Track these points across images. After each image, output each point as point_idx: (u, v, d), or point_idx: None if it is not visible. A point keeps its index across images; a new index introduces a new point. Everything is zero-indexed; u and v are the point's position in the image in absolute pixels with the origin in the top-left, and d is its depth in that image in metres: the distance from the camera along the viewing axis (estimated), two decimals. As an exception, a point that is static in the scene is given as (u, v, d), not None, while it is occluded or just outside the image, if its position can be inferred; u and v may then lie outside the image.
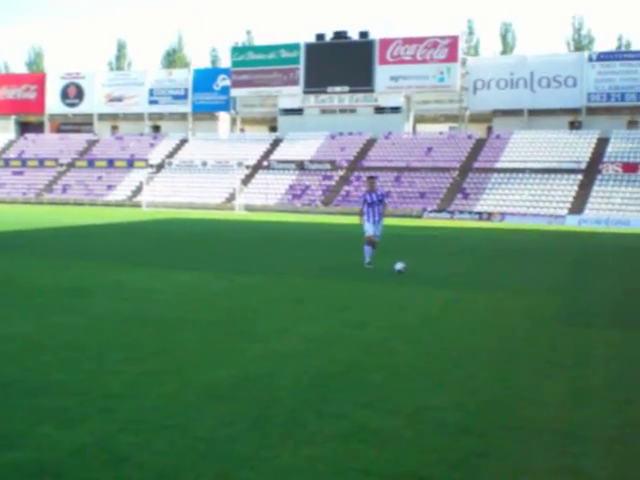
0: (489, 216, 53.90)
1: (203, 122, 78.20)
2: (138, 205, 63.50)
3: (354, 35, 70.52)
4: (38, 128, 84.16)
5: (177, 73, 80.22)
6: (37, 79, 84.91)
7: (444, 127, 71.63)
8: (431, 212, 55.66)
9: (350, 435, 5.56)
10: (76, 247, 22.49)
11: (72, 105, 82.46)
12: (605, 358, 8.55)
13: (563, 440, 5.61)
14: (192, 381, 7.01)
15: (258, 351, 8.36)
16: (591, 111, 65.02)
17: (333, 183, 63.41)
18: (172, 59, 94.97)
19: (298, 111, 71.73)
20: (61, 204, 65.49)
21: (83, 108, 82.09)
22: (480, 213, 54.60)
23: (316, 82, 70.26)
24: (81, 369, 7.39)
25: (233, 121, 78.08)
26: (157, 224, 37.36)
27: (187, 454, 5.11)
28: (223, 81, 75.65)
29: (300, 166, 65.88)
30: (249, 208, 60.41)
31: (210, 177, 67.44)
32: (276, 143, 70.92)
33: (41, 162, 74.99)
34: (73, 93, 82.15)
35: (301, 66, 71.26)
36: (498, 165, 60.59)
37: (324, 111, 71.24)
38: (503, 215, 53.63)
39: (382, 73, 68.55)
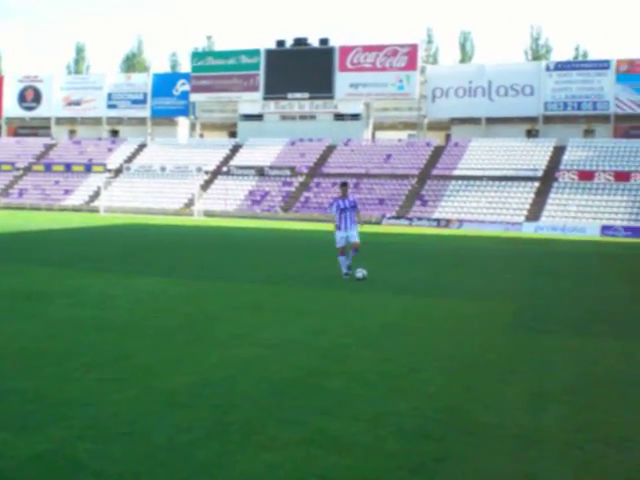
0: (447, 223, 54.30)
1: (162, 127, 77.71)
2: (96, 210, 62.88)
3: (314, 42, 70.68)
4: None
5: (136, 77, 79.69)
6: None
7: (403, 134, 72.02)
8: (390, 219, 55.88)
9: (309, 441, 5.58)
10: (33, 252, 22.20)
11: (29, 109, 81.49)
12: (562, 364, 8.66)
13: (521, 445, 5.68)
14: (151, 388, 6.97)
15: (217, 357, 8.34)
16: (548, 120, 65.84)
17: (293, 189, 63.41)
18: (131, 63, 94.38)
19: (258, 117, 71.67)
20: (17, 209, 64.57)
21: (41, 112, 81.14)
22: (438, 220, 54.96)
23: (276, 88, 70.26)
24: (38, 376, 7.31)
25: (192, 126, 77.71)
26: (115, 229, 37.05)
27: (146, 461, 5.08)
28: (183, 86, 75.30)
29: (260, 172, 65.77)
30: (208, 214, 60.15)
31: (169, 182, 67.04)
32: (236, 149, 70.75)
33: (-3, 166, 73.96)
34: (31, 96, 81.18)
35: (261, 72, 71.20)
36: (456, 172, 61.05)
37: (284, 117, 71.26)
38: (461, 222, 54.06)
39: (342, 80, 68.76)
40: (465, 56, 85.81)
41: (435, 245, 32.63)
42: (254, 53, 71.83)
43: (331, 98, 69.16)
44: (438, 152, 64.67)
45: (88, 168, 71.00)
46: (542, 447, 5.65)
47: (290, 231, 40.57)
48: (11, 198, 68.84)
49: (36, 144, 77.80)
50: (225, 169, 67.44)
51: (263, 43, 79.84)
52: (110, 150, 74.08)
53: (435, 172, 61.67)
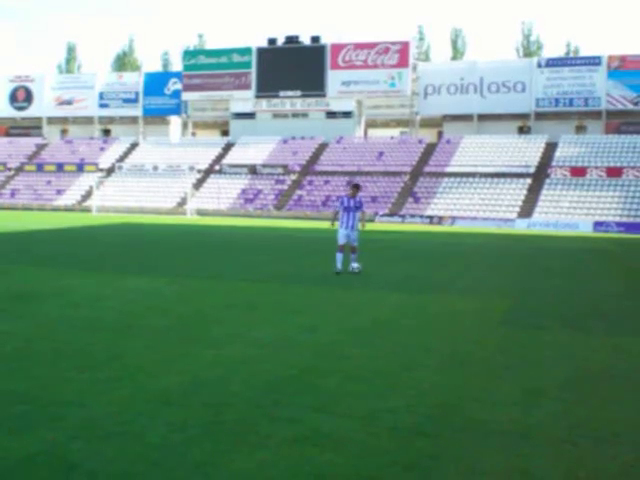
0: (440, 220, 54.38)
1: (154, 126, 77.58)
2: (88, 210, 62.77)
3: (306, 40, 70.68)
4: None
5: (128, 76, 79.58)
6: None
7: (395, 132, 72.08)
8: (383, 216, 55.92)
9: (303, 439, 5.57)
10: (25, 253, 22.14)
11: (21, 108, 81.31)
12: (555, 360, 8.67)
13: (515, 441, 5.69)
14: (144, 387, 6.95)
15: (210, 356, 8.32)
16: (540, 116, 65.96)
17: (285, 187, 63.39)
18: (123, 62, 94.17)
19: (250, 115, 71.62)
20: (9, 209, 64.43)
21: (32, 111, 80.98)
22: (431, 217, 55.05)
23: (268, 86, 70.24)
24: (31, 376, 7.29)
25: (184, 125, 77.60)
26: (107, 229, 36.98)
27: (139, 461, 5.07)
28: (174, 85, 75.21)
29: (252, 170, 65.73)
30: (201, 212, 60.09)
31: (161, 181, 66.96)
32: (228, 147, 70.70)
33: (-11, 166, 73.78)
34: (22, 96, 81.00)
35: (253, 70, 71.18)
36: (448, 169, 61.13)
37: (276, 115, 71.24)
38: (453, 219, 54.14)
39: (334, 78, 68.77)
40: (457, 53, 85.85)
41: (428, 242, 32.65)
42: (246, 51, 71.77)
43: (323, 96, 69.17)
44: (430, 149, 64.74)
45: (80, 168, 70.88)
46: (536, 443, 5.65)
47: (283, 229, 40.55)
48: (3, 198, 68.69)
49: (28, 144, 77.64)
50: (217, 168, 67.39)
51: (255, 41, 79.91)
52: (102, 149, 73.96)
53: (427, 169, 61.74)
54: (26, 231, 32.63)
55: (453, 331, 10.42)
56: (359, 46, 68.82)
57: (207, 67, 72.73)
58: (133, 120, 77.83)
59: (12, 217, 47.99)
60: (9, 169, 73.22)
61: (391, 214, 56.35)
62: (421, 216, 55.49)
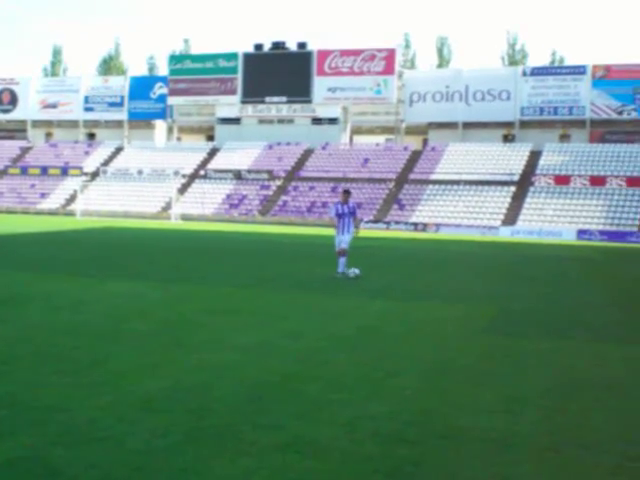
0: (424, 227, 54.48)
1: (139, 130, 77.35)
2: (72, 214, 62.47)
3: (292, 46, 70.69)
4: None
5: (113, 80, 79.31)
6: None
7: (380, 139, 72.20)
8: (367, 222, 55.88)
9: (286, 446, 5.56)
10: (7, 256, 22.03)
11: (5, 111, 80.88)
12: (538, 367, 8.70)
13: (496, 449, 5.70)
14: (127, 393, 6.93)
15: (193, 362, 8.30)
16: (524, 125, 66.23)
17: (270, 193, 63.36)
18: (109, 66, 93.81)
19: (236, 120, 71.54)
20: (-8, 212, 64.10)
21: (17, 114, 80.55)
22: (415, 224, 55.15)
23: (254, 92, 70.21)
24: (12, 381, 7.25)
25: (170, 129, 77.40)
26: (91, 233, 36.84)
27: (121, 467, 5.05)
28: (160, 89, 75.03)
29: (237, 176, 65.66)
30: (185, 217, 59.94)
31: (146, 186, 66.75)
32: (213, 152, 70.57)
33: (-28, 169, 73.34)
34: (7, 99, 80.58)
35: (239, 76, 71.11)
36: (433, 177, 61.26)
37: (262, 121, 71.20)
38: (438, 226, 54.26)
39: (320, 84, 68.82)
40: (442, 61, 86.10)
41: (412, 249, 32.71)
42: (232, 57, 71.72)
43: (309, 102, 69.20)
44: (415, 156, 64.86)
45: (64, 171, 70.55)
46: (518, 450, 5.67)
47: (267, 235, 40.53)
48: (-14, 201, 68.27)
49: (12, 147, 77.21)
50: (202, 173, 67.26)
51: (241, 47, 79.86)
52: (87, 153, 73.66)
53: (412, 176, 61.85)
54: (9, 234, 32.45)
55: (436, 338, 10.43)
56: (345, 53, 68.93)
57: (193, 72, 72.62)
58: (118, 124, 77.59)
59: (-5, 220, 47.71)
60: (-7, 172, 72.79)
61: (376, 221, 56.39)
62: (406, 223, 55.58)
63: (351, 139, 71.80)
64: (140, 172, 68.25)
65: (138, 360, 8.31)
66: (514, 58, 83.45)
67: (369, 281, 17.76)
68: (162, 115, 75.89)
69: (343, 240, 18.06)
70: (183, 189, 65.37)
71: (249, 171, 65.81)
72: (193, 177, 67.34)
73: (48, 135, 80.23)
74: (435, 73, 74.40)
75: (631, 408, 7.14)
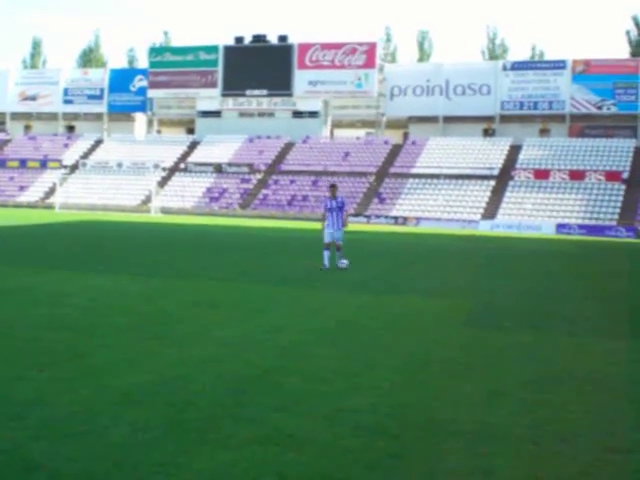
0: (404, 220, 54.61)
1: (119, 123, 76.90)
2: (51, 207, 62.05)
3: (273, 39, 70.51)
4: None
5: (93, 73, 78.80)
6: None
7: (361, 132, 72.16)
8: (348, 216, 55.92)
9: (266, 439, 5.57)
10: (-14, 249, 21.87)
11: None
12: (517, 360, 8.76)
13: (476, 441, 5.73)
14: (106, 387, 6.90)
15: (173, 356, 8.29)
16: (504, 119, 66.44)
17: (251, 186, 63.24)
18: (88, 58, 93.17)
19: (216, 113, 71.30)
20: (-30, 205, 63.60)
21: (-5, 107, 79.92)
22: (396, 217, 55.26)
23: (235, 85, 69.98)
24: (-10, 375, 7.21)
25: (150, 122, 77.03)
26: (70, 226, 36.63)
27: (101, 461, 5.04)
28: (140, 82, 74.63)
29: (218, 169, 65.47)
30: (165, 211, 59.72)
31: (126, 179, 66.41)
32: (193, 145, 70.33)
33: (-50, 162, 72.69)
34: (-15, 91, 79.88)
35: (219, 68, 70.85)
36: (414, 171, 61.37)
37: (242, 114, 71.00)
38: (418, 220, 54.39)
39: (301, 77, 68.71)
40: (423, 55, 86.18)
41: (392, 243, 32.78)
42: (212, 49, 71.45)
43: (290, 95, 69.07)
44: (396, 150, 64.93)
45: (43, 164, 70.08)
46: (497, 443, 5.71)
47: (248, 228, 40.46)
48: (-36, 194, 67.72)
49: (-10, 140, 76.60)
50: (183, 166, 67.03)
51: (222, 39, 79.57)
52: (66, 146, 73.20)
53: (393, 170, 61.93)
54: (-13, 228, 32.21)
55: (416, 331, 10.47)
56: (326, 46, 68.84)
57: (173, 64, 72.26)
58: (98, 117, 77.12)
59: (-27, 213, 47.33)
60: (-29, 165, 72.18)
61: (356, 214, 56.41)
62: (386, 217, 55.68)
63: (332, 133, 71.74)
64: (120, 165, 67.89)
65: (118, 354, 8.29)
66: (494, 52, 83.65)
67: (350, 275, 17.78)
68: (142, 108, 75.50)
69: (336, 237, 18.28)
70: (163, 182, 65.10)
71: (229, 164, 65.64)
72: (173, 170, 67.08)
73: (27, 128, 79.56)
74: (416, 67, 74.46)
75: (610, 400, 7.20)
